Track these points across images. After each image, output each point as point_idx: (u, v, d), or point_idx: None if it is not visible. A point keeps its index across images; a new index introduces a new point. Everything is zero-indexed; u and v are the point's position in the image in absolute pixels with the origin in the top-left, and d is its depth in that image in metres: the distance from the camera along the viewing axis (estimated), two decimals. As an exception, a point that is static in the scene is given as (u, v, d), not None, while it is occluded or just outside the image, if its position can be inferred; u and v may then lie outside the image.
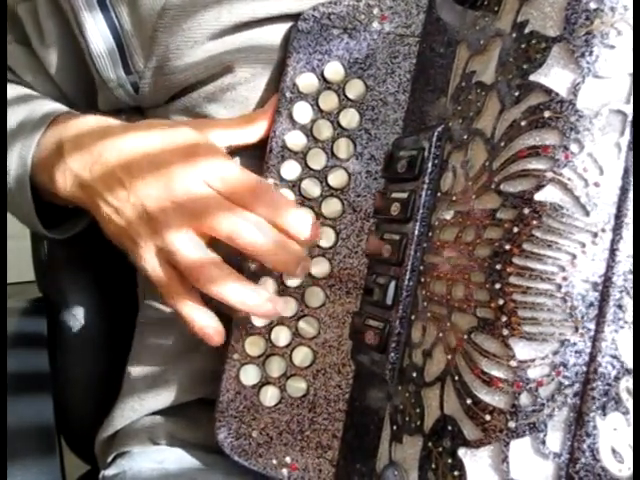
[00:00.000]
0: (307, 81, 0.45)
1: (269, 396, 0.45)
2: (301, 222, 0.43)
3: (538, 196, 0.29)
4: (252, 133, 0.46)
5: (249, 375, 0.45)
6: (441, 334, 0.33)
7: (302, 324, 0.45)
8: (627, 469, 0.29)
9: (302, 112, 0.45)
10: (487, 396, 0.29)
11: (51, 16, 0.52)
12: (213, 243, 0.43)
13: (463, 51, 0.37)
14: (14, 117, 0.50)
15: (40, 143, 0.48)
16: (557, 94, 0.29)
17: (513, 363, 0.29)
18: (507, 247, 0.30)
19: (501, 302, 0.29)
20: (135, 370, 0.53)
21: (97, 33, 0.49)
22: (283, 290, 0.45)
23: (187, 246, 0.42)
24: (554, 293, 0.29)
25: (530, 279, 0.29)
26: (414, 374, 0.34)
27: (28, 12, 0.54)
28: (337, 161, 0.45)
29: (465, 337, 0.31)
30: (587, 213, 0.29)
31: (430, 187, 0.37)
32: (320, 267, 0.45)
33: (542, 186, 0.29)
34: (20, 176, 0.49)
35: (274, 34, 0.47)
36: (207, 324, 0.44)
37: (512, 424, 0.29)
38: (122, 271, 0.47)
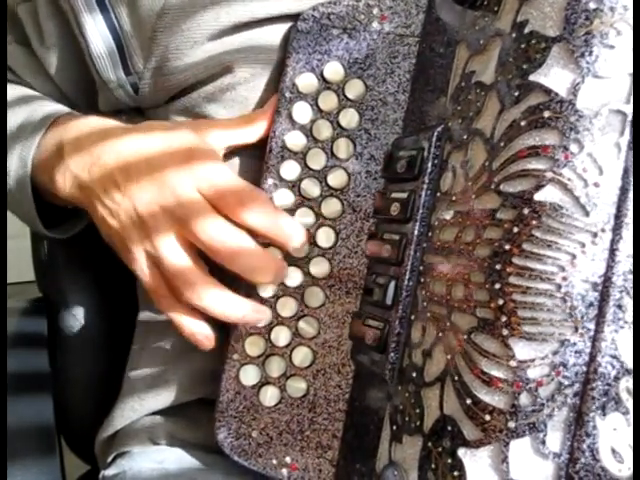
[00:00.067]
0: (307, 81, 0.45)
1: (269, 396, 0.45)
2: (289, 231, 0.43)
3: (538, 196, 0.29)
4: (252, 133, 0.46)
5: (249, 375, 0.45)
6: (441, 334, 0.33)
7: (302, 324, 0.45)
8: (627, 469, 0.29)
9: (302, 112, 0.45)
10: (487, 396, 0.29)
11: (51, 17, 0.52)
12: None
13: (463, 51, 0.37)
14: (14, 118, 0.50)
15: (40, 144, 0.48)
16: (557, 94, 0.29)
17: (513, 363, 0.29)
18: (507, 247, 0.30)
19: (501, 302, 0.29)
20: (135, 370, 0.53)
21: (97, 34, 0.49)
22: (283, 290, 0.45)
23: (172, 253, 0.42)
24: (554, 293, 0.29)
25: (530, 279, 0.29)
26: (414, 374, 0.34)
27: (28, 13, 0.54)
28: (337, 161, 0.45)
29: (465, 337, 0.31)
30: (587, 213, 0.29)
31: (430, 187, 0.37)
32: (320, 267, 0.45)
33: (542, 186, 0.29)
34: (20, 177, 0.49)
35: (273, 34, 0.47)
36: (196, 330, 0.44)
37: (512, 424, 0.29)
38: (122, 271, 0.46)
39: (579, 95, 0.29)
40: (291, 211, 0.45)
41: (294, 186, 0.45)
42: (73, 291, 0.60)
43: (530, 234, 0.29)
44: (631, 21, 0.29)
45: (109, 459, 0.52)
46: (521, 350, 0.29)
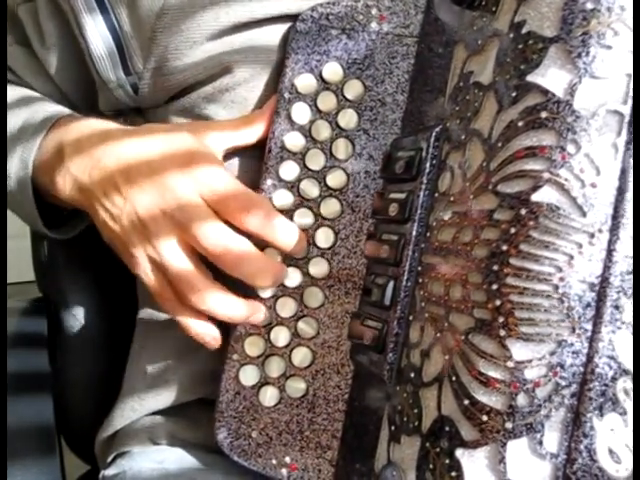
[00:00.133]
0: (305, 82, 0.45)
1: (268, 396, 0.45)
2: (290, 236, 0.43)
3: (535, 197, 0.29)
4: (251, 134, 0.46)
5: (248, 375, 0.45)
6: (439, 334, 0.33)
7: (301, 324, 0.45)
8: (624, 470, 0.29)
9: (301, 113, 0.45)
10: (484, 397, 0.29)
11: (51, 18, 0.52)
12: None
13: (461, 51, 0.37)
14: (15, 119, 0.50)
15: (41, 146, 0.48)
16: (554, 95, 0.29)
17: (510, 364, 0.29)
18: (504, 248, 0.30)
19: (498, 303, 0.29)
20: (135, 370, 0.53)
21: (97, 35, 0.49)
22: (282, 290, 0.45)
23: (174, 257, 0.42)
24: (551, 294, 0.29)
25: (527, 280, 0.29)
26: (412, 374, 0.34)
27: (28, 13, 0.54)
28: (336, 161, 0.45)
29: (462, 338, 0.31)
30: (584, 214, 0.29)
31: (428, 187, 0.37)
32: (319, 267, 0.45)
33: (539, 187, 0.29)
34: (22, 179, 0.49)
35: (273, 35, 0.47)
36: (203, 331, 0.44)
37: (509, 425, 0.29)
38: (122, 271, 0.47)
39: (576, 95, 0.29)
40: (290, 211, 0.45)
41: (293, 187, 0.45)
42: (73, 291, 0.60)
43: (527, 235, 0.29)
44: (628, 21, 0.29)
45: (109, 459, 0.52)
46: (518, 351, 0.29)
